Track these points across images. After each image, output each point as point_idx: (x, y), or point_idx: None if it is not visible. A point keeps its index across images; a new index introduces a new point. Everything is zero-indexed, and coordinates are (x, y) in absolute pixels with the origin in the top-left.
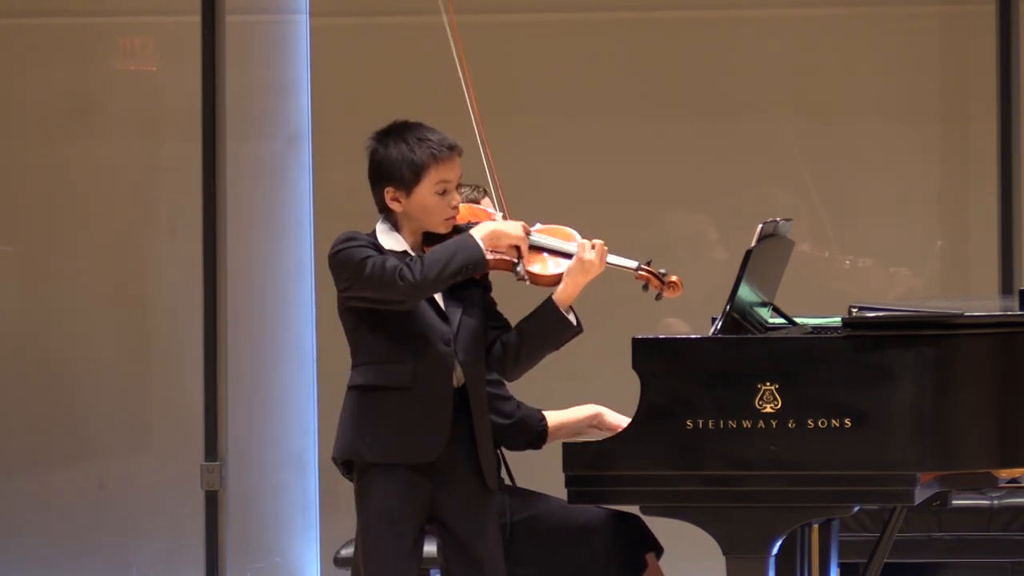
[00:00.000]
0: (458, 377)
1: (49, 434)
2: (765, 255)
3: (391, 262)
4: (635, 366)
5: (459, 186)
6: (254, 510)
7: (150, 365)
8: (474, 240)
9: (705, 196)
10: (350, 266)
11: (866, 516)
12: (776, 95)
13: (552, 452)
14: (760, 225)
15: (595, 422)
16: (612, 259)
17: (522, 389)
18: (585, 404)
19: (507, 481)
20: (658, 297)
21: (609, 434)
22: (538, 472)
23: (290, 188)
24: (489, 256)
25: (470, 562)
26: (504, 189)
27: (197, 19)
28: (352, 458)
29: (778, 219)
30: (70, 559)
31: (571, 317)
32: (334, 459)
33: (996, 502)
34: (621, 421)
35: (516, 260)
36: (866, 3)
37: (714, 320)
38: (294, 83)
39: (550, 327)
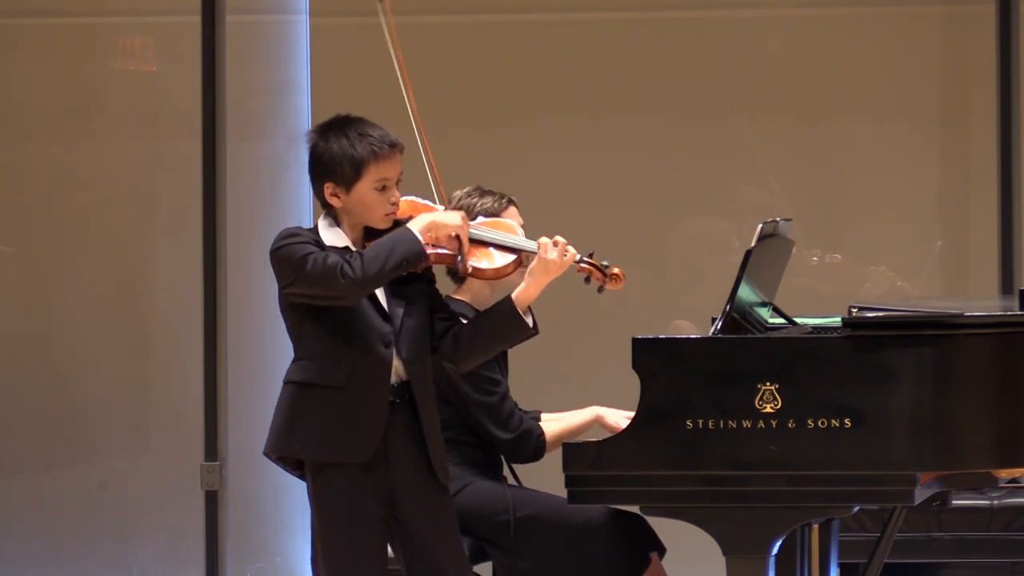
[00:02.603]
0: (400, 374)
1: (49, 434)
2: (765, 255)
3: (332, 258)
4: (635, 366)
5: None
6: (254, 510)
7: (150, 365)
8: (412, 233)
9: (704, 196)
10: (291, 262)
11: (866, 516)
12: (776, 95)
13: (552, 451)
14: (760, 225)
15: (596, 426)
16: None
17: (520, 390)
18: (584, 407)
19: (511, 481)
20: (600, 290)
21: (610, 434)
22: (538, 472)
23: (290, 188)
24: (429, 250)
25: (429, 560)
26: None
27: (197, 19)
28: (283, 454)
29: (778, 219)
30: (70, 559)
31: (528, 319)
32: (266, 454)
33: (996, 502)
34: (621, 421)
35: (457, 252)
36: (866, 3)
37: (714, 320)
38: (294, 83)
39: (506, 327)
